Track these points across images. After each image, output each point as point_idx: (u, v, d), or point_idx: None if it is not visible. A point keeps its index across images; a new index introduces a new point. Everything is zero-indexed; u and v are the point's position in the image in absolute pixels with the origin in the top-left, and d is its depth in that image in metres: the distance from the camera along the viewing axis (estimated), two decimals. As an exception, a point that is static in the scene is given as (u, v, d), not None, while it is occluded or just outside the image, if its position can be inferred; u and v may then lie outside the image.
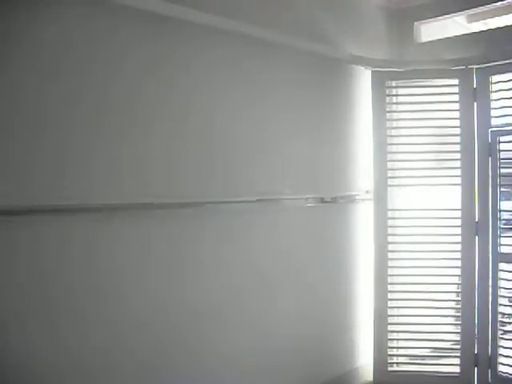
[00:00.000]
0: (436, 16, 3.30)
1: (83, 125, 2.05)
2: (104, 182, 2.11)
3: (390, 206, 3.17)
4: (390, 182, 3.15)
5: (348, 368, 3.20)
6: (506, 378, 3.02)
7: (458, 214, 3.13)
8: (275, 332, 2.79)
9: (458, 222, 3.13)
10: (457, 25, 3.46)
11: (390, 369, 3.12)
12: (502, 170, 3.04)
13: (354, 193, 3.20)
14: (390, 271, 3.13)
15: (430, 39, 3.38)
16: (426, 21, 3.39)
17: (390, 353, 3.12)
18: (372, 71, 3.16)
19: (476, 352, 3.11)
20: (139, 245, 2.23)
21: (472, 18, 3.51)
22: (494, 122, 3.08)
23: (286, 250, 2.87)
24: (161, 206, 2.27)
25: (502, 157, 3.06)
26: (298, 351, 2.89)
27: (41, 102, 1.93)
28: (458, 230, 3.13)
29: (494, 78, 3.08)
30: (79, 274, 2.04)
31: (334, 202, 3.06)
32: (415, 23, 3.39)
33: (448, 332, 3.18)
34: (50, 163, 1.96)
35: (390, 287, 3.11)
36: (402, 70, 3.15)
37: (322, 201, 3.04)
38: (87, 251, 2.06)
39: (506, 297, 3.07)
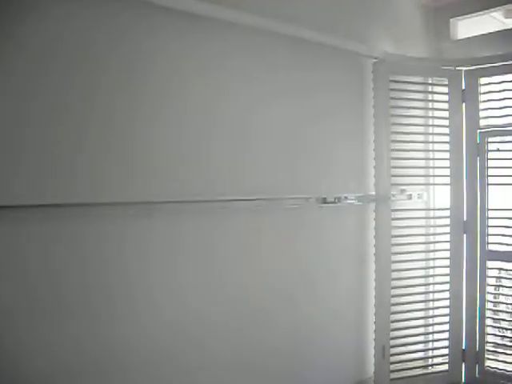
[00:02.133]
0: (472, 12, 3.24)
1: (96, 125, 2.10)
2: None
3: (393, 206, 3.12)
4: (393, 180, 3.10)
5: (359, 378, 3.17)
6: (494, 373, 3.11)
7: (447, 213, 3.19)
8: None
9: (447, 221, 3.18)
10: (494, 21, 3.40)
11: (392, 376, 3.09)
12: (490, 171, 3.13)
13: (365, 193, 3.13)
14: (393, 274, 3.09)
15: (466, 36, 3.32)
16: (462, 17, 3.32)
17: (392, 360, 3.09)
18: (373, 63, 3.08)
19: (464, 348, 3.17)
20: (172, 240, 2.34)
21: (511, 14, 3.42)
22: (482, 122, 3.16)
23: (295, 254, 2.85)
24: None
25: (489, 157, 3.14)
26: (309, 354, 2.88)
27: (59, 96, 1.99)
28: (447, 229, 3.18)
29: (483, 80, 3.16)
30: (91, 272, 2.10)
31: (337, 202, 2.99)
32: (451, 20, 3.33)
33: (438, 331, 3.20)
34: (59, 162, 2.01)
35: (392, 291, 3.08)
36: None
37: (325, 201, 2.98)
38: (99, 249, 2.11)
39: (493, 293, 3.15)
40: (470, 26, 3.27)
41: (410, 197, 3.16)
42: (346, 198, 3.05)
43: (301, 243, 2.90)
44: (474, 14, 3.25)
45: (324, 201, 2.98)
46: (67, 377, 2.01)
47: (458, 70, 3.18)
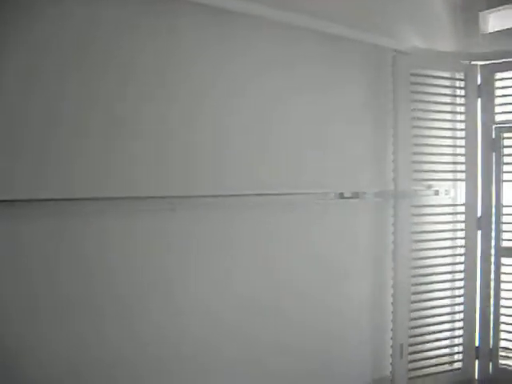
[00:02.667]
0: (502, 5, 3.14)
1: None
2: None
3: (414, 202, 3.04)
4: (418, 176, 3.04)
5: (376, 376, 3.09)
6: (507, 370, 3.10)
7: (462, 208, 3.15)
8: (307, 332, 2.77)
9: (462, 217, 3.14)
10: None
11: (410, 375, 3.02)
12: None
13: (384, 189, 3.04)
14: (412, 272, 3.02)
15: (496, 29, 3.20)
16: (492, 10, 3.19)
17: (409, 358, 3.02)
18: (393, 56, 3.00)
19: (477, 345, 3.15)
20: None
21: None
22: (498, 118, 3.13)
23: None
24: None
25: (505, 153, 3.12)
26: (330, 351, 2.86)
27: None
28: (462, 225, 3.14)
29: (499, 75, 3.13)
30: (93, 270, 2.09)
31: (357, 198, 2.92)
32: (480, 13, 3.21)
33: (451, 329, 3.16)
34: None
35: (411, 289, 3.01)
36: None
37: (342, 196, 2.89)
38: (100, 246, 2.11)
39: (508, 290, 3.13)
40: (502, 20, 3.20)
41: (436, 192, 3.09)
42: (364, 193, 2.97)
43: (317, 239, 2.83)
44: (504, 7, 3.16)
45: (342, 196, 2.90)
46: (70, 375, 2.01)
47: (474, 65, 3.14)
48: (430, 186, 3.07)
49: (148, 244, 2.24)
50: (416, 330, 3.02)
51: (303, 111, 2.75)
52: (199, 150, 2.39)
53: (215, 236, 2.45)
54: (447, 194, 3.12)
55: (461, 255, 3.14)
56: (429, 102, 3.06)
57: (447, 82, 3.14)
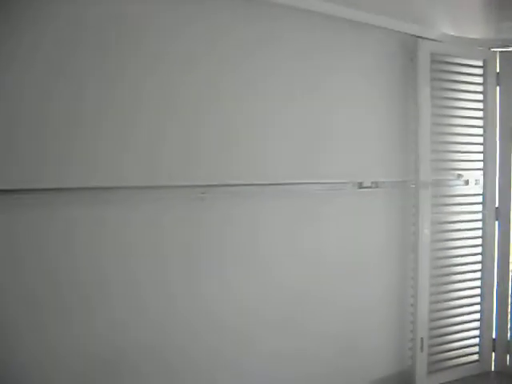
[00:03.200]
0: None
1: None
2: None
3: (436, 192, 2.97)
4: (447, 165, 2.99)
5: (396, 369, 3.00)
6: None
7: (480, 199, 3.09)
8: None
9: (479, 208, 3.09)
10: None
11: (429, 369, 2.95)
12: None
13: (404, 178, 2.94)
14: (432, 263, 2.95)
15: None
16: None
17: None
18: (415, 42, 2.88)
19: (494, 337, 3.11)
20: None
21: None
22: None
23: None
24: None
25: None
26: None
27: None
28: (479, 216, 3.09)
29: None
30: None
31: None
32: None
33: (470, 321, 3.10)
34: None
35: (431, 281, 2.94)
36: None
37: (361, 186, 2.78)
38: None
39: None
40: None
41: (467, 182, 3.02)
42: (383, 182, 2.87)
43: (337, 229, 2.73)
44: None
45: (360, 185, 2.79)
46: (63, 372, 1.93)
47: (493, 52, 3.08)
48: (459, 176, 2.99)
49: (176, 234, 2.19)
50: (435, 323, 2.95)
51: (322, 100, 2.65)
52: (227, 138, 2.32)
53: (243, 224, 2.39)
54: (477, 184, 3.05)
55: (478, 246, 3.09)
56: (450, 89, 2.98)
57: (467, 69, 3.06)
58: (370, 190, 2.81)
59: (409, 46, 2.91)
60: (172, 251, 2.18)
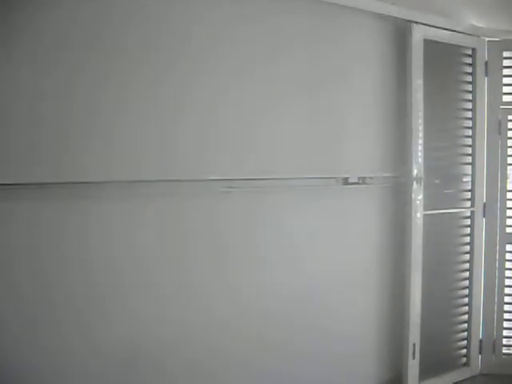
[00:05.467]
0: None
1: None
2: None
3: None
4: None
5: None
6: (508, 359, 3.01)
7: (468, 194, 2.95)
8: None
9: (468, 204, 2.95)
10: None
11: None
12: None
13: (394, 174, 2.73)
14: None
15: None
16: None
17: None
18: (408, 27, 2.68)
19: (481, 338, 2.99)
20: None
21: None
22: (504, 98, 2.96)
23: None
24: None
25: (510, 136, 2.97)
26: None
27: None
28: (468, 212, 2.95)
29: (506, 54, 2.96)
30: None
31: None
32: None
33: (460, 322, 2.97)
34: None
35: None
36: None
37: (347, 182, 2.55)
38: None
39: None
40: None
41: (456, 177, 2.89)
42: (371, 178, 2.64)
43: (321, 229, 2.51)
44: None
45: (346, 182, 2.55)
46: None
47: (482, 40, 2.93)
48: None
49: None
50: (426, 327, 2.78)
51: (305, 89, 2.42)
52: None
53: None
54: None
55: (466, 244, 2.95)
56: (442, 79, 2.81)
57: (459, 57, 2.89)
58: (356, 186, 2.59)
59: (400, 33, 2.70)
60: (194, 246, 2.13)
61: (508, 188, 2.98)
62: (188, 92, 2.08)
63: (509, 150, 2.97)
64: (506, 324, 3.00)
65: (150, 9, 2.00)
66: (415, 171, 2.68)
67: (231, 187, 2.17)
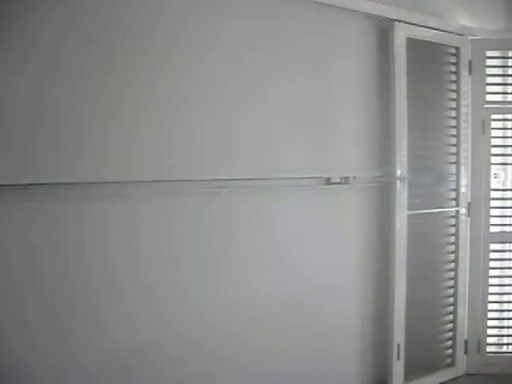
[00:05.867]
0: None
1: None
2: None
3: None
4: None
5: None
6: (493, 358, 3.01)
7: (453, 194, 2.94)
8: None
9: (453, 203, 2.94)
10: None
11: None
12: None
13: (378, 174, 2.70)
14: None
15: None
16: None
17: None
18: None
19: (466, 338, 2.98)
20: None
21: None
22: (488, 98, 2.96)
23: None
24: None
25: (493, 135, 2.96)
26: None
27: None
28: (453, 212, 2.94)
29: (489, 53, 2.95)
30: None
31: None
32: None
33: (446, 322, 2.95)
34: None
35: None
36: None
37: (329, 182, 2.53)
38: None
39: (496, 276, 3.01)
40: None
41: (441, 177, 2.88)
42: (355, 178, 2.62)
43: (302, 230, 2.47)
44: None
45: (328, 181, 2.53)
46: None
47: (466, 39, 2.92)
48: None
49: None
50: (411, 328, 2.75)
51: (286, 87, 2.39)
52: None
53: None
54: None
55: (451, 244, 2.94)
56: (425, 77, 2.79)
57: (443, 56, 2.88)
58: (339, 186, 2.56)
59: (384, 32, 2.68)
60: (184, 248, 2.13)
61: (496, 187, 2.98)
62: (179, 93, 2.08)
63: (492, 149, 2.97)
64: (489, 323, 3.00)
65: (145, 13, 2.01)
66: (399, 171, 2.66)
67: (220, 187, 2.16)
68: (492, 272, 2.99)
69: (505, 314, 3.08)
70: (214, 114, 2.18)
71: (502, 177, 3.01)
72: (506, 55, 3.03)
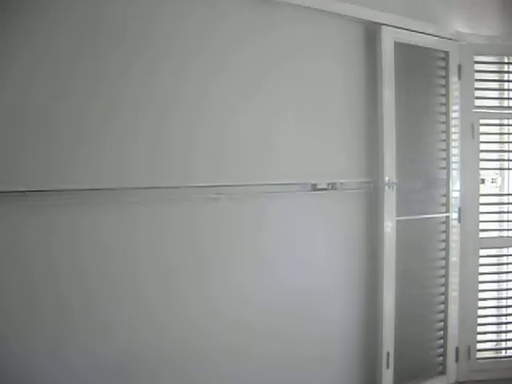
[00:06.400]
0: None
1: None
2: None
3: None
4: None
5: None
6: (483, 364, 2.98)
7: (443, 199, 2.91)
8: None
9: (443, 209, 2.90)
10: None
11: None
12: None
13: (366, 179, 2.66)
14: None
15: None
16: None
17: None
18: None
19: (457, 345, 2.94)
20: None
21: None
22: (477, 103, 2.94)
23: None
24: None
25: (481, 140, 2.94)
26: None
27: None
28: (443, 218, 2.90)
29: (478, 58, 2.94)
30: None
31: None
32: None
33: (433, 330, 2.91)
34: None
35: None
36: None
37: (315, 188, 2.49)
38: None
39: (485, 282, 2.98)
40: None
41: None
42: (342, 183, 2.58)
43: (289, 237, 2.44)
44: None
45: (315, 187, 2.49)
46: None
47: (455, 43, 2.89)
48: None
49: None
50: (400, 335, 2.71)
51: (271, 92, 2.36)
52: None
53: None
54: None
55: (442, 250, 2.90)
56: (414, 81, 2.77)
57: (431, 61, 2.86)
58: (326, 192, 2.51)
59: (372, 36, 2.65)
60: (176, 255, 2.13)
61: (493, 192, 2.98)
62: (174, 97, 2.09)
63: (486, 154, 2.95)
64: (479, 328, 2.96)
65: (140, 14, 2.02)
66: (387, 176, 2.63)
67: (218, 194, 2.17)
68: (481, 277, 2.95)
69: (495, 319, 3.05)
70: (201, 122, 2.18)
71: (499, 182, 3.00)
72: (495, 60, 3.02)
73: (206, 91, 2.19)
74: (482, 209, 2.95)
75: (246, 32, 2.29)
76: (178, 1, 2.12)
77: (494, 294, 3.04)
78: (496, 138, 3.06)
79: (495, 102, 3.02)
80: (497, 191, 3.06)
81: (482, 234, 2.95)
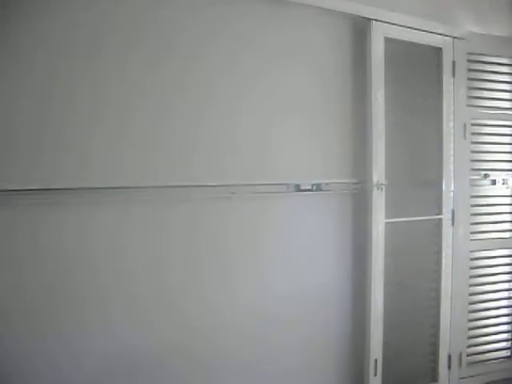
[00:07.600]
0: None
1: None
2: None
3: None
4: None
5: None
6: (475, 368, 2.90)
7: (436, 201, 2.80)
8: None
9: (436, 211, 2.80)
10: None
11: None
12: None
13: (353, 180, 2.59)
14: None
15: None
16: None
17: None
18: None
19: (449, 352, 2.84)
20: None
21: None
22: (469, 102, 2.84)
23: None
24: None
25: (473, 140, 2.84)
26: None
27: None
28: (436, 220, 2.80)
29: (472, 57, 2.83)
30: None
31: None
32: None
33: (425, 337, 2.82)
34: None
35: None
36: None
37: (299, 189, 2.41)
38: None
39: (476, 285, 2.89)
40: None
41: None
42: (328, 184, 2.49)
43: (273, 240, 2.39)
44: None
45: (298, 188, 2.41)
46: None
47: (450, 39, 2.78)
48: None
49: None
50: (389, 342, 2.63)
51: (253, 90, 2.30)
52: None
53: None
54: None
55: (435, 253, 2.80)
56: (406, 79, 2.67)
57: (424, 58, 2.75)
58: (310, 193, 2.43)
59: (361, 33, 2.56)
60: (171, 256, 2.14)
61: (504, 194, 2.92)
62: (175, 97, 2.10)
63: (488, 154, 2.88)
64: (470, 333, 2.88)
65: (140, 14, 2.03)
66: (375, 177, 2.54)
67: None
68: (471, 281, 2.87)
69: (484, 322, 2.96)
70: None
71: (510, 183, 2.95)
72: (489, 59, 2.92)
73: (206, 91, 2.17)
74: (483, 211, 2.88)
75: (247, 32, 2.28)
76: (178, 1, 2.09)
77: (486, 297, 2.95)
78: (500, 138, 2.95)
79: (490, 102, 2.91)
80: (509, 193, 2.97)
81: (481, 236, 2.89)
